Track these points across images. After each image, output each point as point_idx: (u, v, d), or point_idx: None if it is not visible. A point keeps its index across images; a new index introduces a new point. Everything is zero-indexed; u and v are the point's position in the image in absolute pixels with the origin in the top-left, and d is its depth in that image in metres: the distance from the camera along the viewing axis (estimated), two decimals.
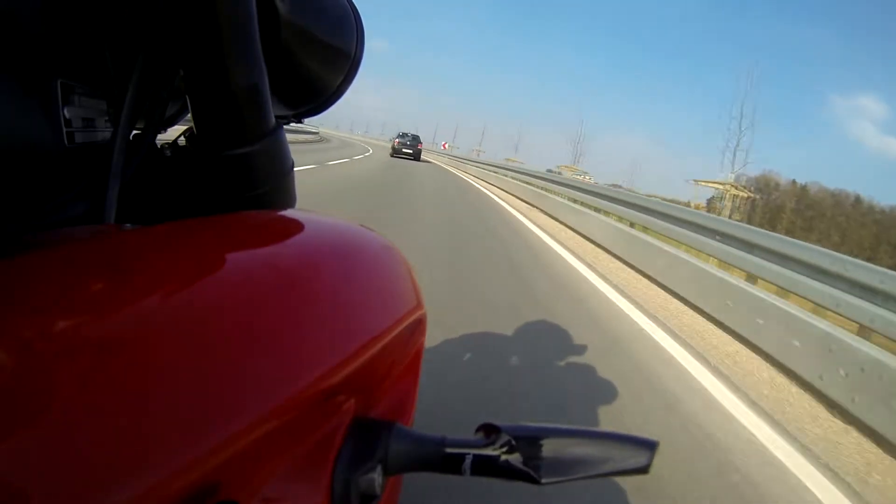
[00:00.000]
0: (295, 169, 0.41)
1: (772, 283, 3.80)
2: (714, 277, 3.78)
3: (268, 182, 0.37)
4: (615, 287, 4.17)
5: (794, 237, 4.50)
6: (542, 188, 11.31)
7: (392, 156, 23.11)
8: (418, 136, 24.74)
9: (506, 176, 16.10)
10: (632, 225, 6.36)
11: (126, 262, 0.22)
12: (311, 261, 0.28)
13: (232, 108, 0.33)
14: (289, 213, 0.35)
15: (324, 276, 0.28)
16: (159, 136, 0.39)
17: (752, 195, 37.12)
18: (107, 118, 0.37)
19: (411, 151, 23.56)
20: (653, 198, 7.48)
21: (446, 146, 47.21)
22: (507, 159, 55.25)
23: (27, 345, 0.16)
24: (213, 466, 0.17)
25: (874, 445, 2.17)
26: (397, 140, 24.54)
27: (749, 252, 4.18)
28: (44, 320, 0.17)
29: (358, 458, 0.25)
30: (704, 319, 3.65)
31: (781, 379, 2.75)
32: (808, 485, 1.78)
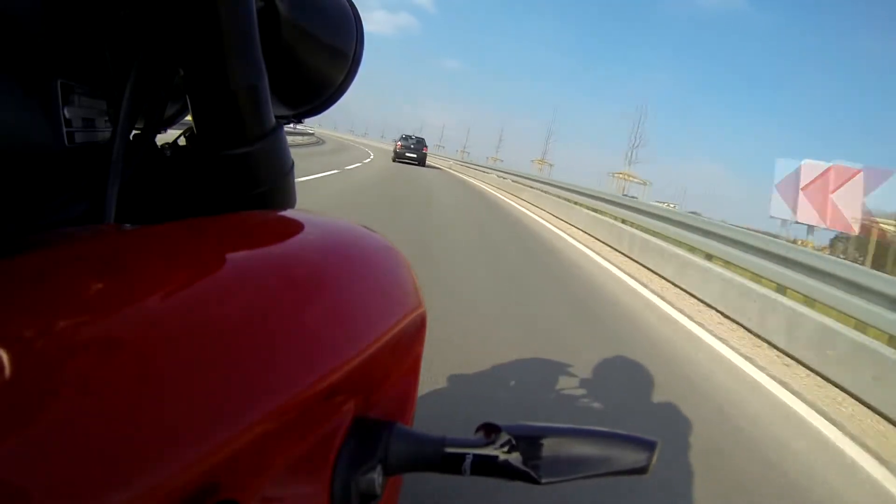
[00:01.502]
0: None
1: None
2: None
3: (268, 182, 0.37)
4: None
5: None
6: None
7: (395, 160, 20.97)
8: (423, 140, 22.85)
9: (549, 194, 11.15)
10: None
11: (126, 262, 0.22)
12: (311, 261, 0.28)
13: (232, 108, 0.33)
14: (289, 213, 0.35)
15: (324, 275, 0.28)
16: (159, 136, 0.39)
17: None
18: (107, 118, 0.37)
19: (415, 156, 21.75)
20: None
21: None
22: (539, 161, 45.40)
23: (27, 345, 0.16)
24: (213, 466, 0.17)
25: None
26: (400, 143, 22.28)
27: None
28: (44, 320, 0.17)
29: (358, 458, 0.25)
30: None
31: None
32: None
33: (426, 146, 22.91)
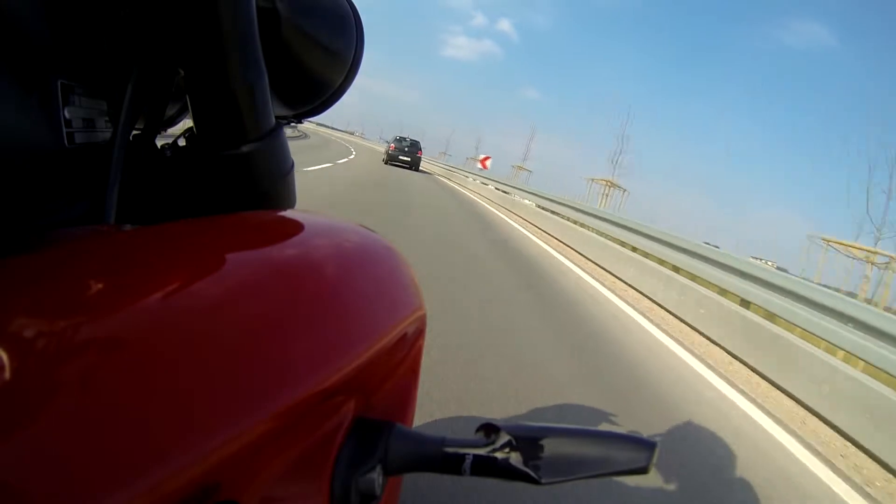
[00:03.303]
0: None
1: None
2: None
3: (267, 182, 0.37)
4: None
5: None
6: None
7: (386, 163, 19.84)
8: (418, 143, 21.39)
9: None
10: None
11: (126, 262, 0.22)
12: (311, 261, 0.28)
13: (232, 108, 0.33)
14: (289, 213, 0.35)
15: (324, 276, 0.28)
16: (159, 137, 0.39)
17: None
18: (107, 118, 0.37)
19: (409, 159, 20.56)
20: None
21: None
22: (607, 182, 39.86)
23: (27, 345, 0.16)
24: (213, 466, 0.17)
25: None
26: (393, 145, 20.89)
27: None
28: (44, 320, 0.17)
29: (358, 458, 0.25)
30: None
31: None
32: None
33: (420, 150, 21.71)
